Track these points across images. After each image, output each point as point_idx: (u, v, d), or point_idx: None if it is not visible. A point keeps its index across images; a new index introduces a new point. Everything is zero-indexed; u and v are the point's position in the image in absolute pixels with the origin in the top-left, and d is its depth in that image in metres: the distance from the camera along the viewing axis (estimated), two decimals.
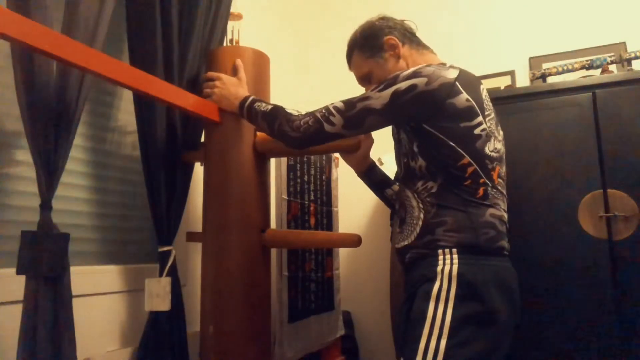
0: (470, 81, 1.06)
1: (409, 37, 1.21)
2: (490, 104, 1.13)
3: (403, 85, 1.00)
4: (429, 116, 1.02)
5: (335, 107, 1.07)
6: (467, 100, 1.02)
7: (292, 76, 2.55)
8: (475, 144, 1.02)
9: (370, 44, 1.20)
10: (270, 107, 1.17)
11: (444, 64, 1.07)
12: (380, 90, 1.03)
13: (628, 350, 1.49)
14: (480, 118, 1.04)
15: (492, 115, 1.11)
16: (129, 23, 1.31)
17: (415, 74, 1.01)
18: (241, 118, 1.28)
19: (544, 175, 1.67)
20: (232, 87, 1.29)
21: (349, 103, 1.06)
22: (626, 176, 1.57)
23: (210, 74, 1.34)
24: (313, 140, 1.10)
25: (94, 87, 1.35)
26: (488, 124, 1.06)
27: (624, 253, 1.54)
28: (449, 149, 1.02)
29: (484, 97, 1.09)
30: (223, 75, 1.32)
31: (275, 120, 1.13)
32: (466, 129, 1.02)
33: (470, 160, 1.02)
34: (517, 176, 1.65)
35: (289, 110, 1.16)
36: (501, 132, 1.16)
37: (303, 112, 1.15)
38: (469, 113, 1.02)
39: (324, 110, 1.08)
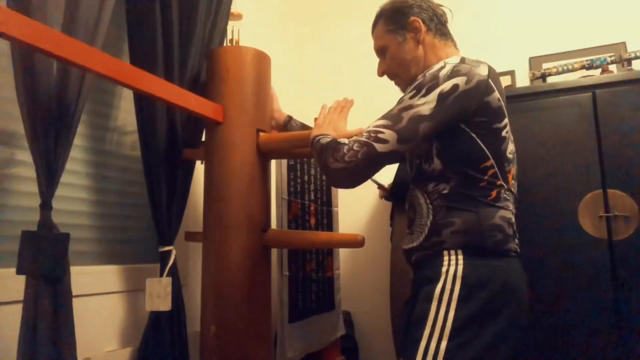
0: (497, 78, 1.03)
1: (437, 24, 1.15)
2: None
3: (447, 85, 0.96)
4: (468, 116, 0.98)
5: (380, 125, 0.97)
6: (499, 100, 1.00)
7: (292, 76, 2.55)
8: (501, 145, 1.01)
9: (396, 19, 1.15)
10: (329, 139, 1.01)
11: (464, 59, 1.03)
12: (423, 95, 0.97)
13: (628, 349, 1.49)
14: (506, 119, 1.02)
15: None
16: (129, 23, 1.31)
17: (454, 73, 0.97)
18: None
19: (544, 175, 1.67)
20: (325, 122, 1.16)
21: (392, 117, 0.97)
22: (626, 176, 1.57)
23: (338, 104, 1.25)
24: (363, 167, 0.95)
25: (94, 87, 1.35)
26: (508, 125, 1.05)
27: (624, 253, 1.54)
28: (477, 151, 0.98)
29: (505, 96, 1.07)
30: (330, 109, 1.23)
31: (324, 153, 0.99)
32: (497, 130, 1.00)
33: (493, 163, 0.99)
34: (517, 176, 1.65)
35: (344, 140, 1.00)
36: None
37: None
38: (499, 113, 1.00)
39: (366, 133, 0.97)
